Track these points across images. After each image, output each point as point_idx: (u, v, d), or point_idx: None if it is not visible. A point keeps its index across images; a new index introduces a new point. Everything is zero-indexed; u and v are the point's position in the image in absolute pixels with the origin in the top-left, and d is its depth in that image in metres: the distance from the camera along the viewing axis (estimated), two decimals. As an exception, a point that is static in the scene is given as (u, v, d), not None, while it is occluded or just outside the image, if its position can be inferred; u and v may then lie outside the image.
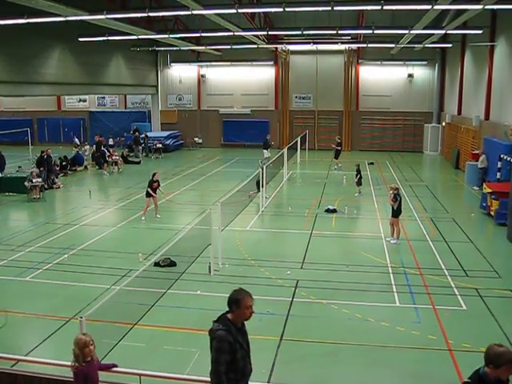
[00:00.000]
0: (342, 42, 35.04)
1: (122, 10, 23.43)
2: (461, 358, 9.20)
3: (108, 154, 31.05)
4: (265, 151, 32.05)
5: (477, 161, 24.87)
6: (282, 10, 20.11)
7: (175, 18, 32.47)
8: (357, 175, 23.09)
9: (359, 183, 23.21)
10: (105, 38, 27.43)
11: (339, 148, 30.75)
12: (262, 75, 41.91)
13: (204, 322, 10.61)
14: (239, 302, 5.69)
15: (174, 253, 12.88)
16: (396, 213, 16.24)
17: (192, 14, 21.21)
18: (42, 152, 26.25)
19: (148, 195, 19.45)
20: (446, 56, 37.56)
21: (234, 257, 14.76)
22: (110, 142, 38.23)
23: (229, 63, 41.54)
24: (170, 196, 23.35)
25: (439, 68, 37.97)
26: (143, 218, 19.22)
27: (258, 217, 19.73)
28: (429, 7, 19.06)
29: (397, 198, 16.14)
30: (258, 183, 21.15)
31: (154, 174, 19.65)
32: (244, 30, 26.96)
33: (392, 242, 16.22)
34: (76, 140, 41.41)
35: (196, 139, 42.48)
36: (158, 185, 19.71)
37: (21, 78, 26.28)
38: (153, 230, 17.83)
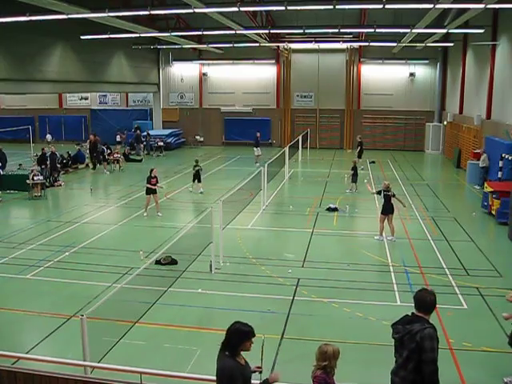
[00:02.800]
0: (344, 41, 34.98)
1: (124, 7, 23.36)
2: (461, 356, 9.20)
3: (109, 151, 31.09)
4: (255, 149, 32.31)
5: (478, 160, 24.85)
6: (283, 8, 20.07)
7: (177, 16, 32.44)
8: (352, 171, 23.37)
9: (354, 180, 23.41)
10: (107, 36, 27.39)
11: (360, 147, 30.60)
12: (263, 73, 41.90)
13: (205, 321, 10.70)
14: (436, 303, 5.75)
15: (175, 251, 12.89)
16: (385, 210, 16.38)
17: (194, 12, 21.18)
18: (43, 149, 26.26)
19: (148, 192, 19.54)
20: (448, 55, 37.52)
21: (235, 255, 14.75)
22: (118, 138, 38.24)
23: (230, 61, 41.54)
24: (171, 194, 23.37)
25: (441, 67, 37.93)
26: (145, 215, 19.42)
27: (259, 215, 19.72)
28: (431, 6, 19.03)
29: (380, 192, 16.46)
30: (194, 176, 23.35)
31: (152, 170, 19.75)
32: (246, 28, 26.96)
33: (379, 239, 16.37)
34: (48, 136, 41.49)
35: (197, 137, 42.50)
36: (157, 181, 19.76)
37: (22, 76, 26.29)
38: (154, 228, 17.84)
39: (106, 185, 27.06)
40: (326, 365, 5.75)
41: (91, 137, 31.79)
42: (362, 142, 30.76)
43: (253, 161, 31.94)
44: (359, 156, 30.28)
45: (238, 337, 5.56)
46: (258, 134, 33.37)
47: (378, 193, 16.66)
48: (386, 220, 16.34)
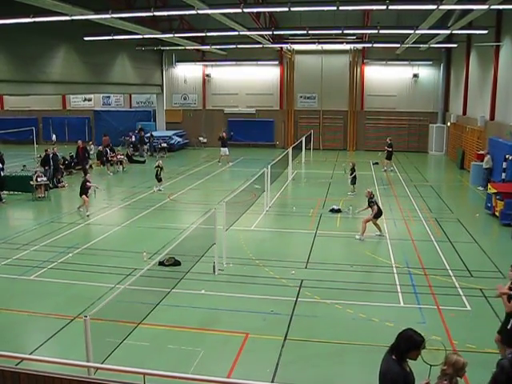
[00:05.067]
0: (347, 42, 34.94)
1: (127, 9, 23.46)
2: (465, 358, 9.15)
3: (112, 153, 31.10)
4: (222, 149, 32.98)
5: (482, 161, 24.79)
6: (287, 9, 20.05)
7: (180, 18, 32.49)
8: (351, 174, 23.23)
9: (353, 182, 23.31)
10: (110, 38, 27.47)
11: (390, 149, 30.31)
12: (266, 75, 41.89)
13: (208, 322, 10.71)
14: None
15: (179, 252, 12.90)
16: (377, 215, 16.86)
17: (197, 14, 21.21)
18: (46, 151, 26.28)
19: (82, 194, 20.41)
20: (452, 56, 37.46)
21: (238, 256, 14.76)
22: (133, 138, 38.22)
23: (234, 63, 41.54)
24: (174, 195, 23.40)
25: (444, 68, 37.84)
26: (88, 214, 19.93)
27: (262, 216, 19.72)
28: (434, 7, 19.00)
29: (371, 204, 16.86)
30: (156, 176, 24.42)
31: (85, 175, 21.68)
32: (249, 29, 26.95)
33: (358, 238, 16.57)
34: (54, 137, 41.68)
35: (201, 138, 42.47)
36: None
37: (26, 77, 26.34)
38: (157, 230, 17.85)
39: (109, 186, 27.07)
40: (444, 368, 5.67)
41: (79, 142, 30.23)
42: (392, 144, 30.56)
43: (259, 162, 31.81)
44: (389, 158, 30.18)
45: (408, 344, 5.53)
46: (224, 134, 33.74)
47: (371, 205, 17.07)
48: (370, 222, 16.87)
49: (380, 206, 17.45)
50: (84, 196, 20.29)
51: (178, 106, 44.18)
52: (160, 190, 24.27)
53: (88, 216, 19.84)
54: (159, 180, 24.48)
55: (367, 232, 16.87)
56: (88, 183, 20.75)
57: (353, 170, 23.33)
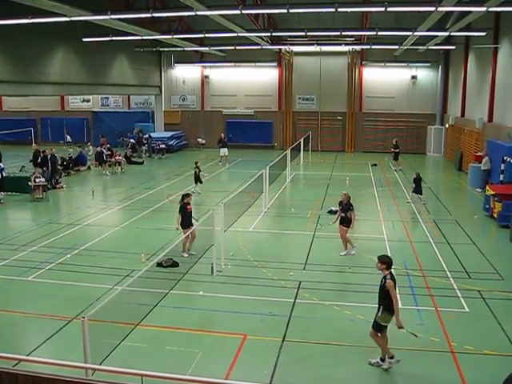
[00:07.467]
0: (346, 44, 34.98)
1: (126, 10, 23.48)
2: (463, 360, 9.18)
3: (110, 153, 31.07)
4: (222, 149, 33.48)
5: (480, 163, 24.84)
6: (285, 11, 20.04)
7: (179, 19, 32.49)
8: (417, 183, 21.67)
9: (417, 191, 21.73)
10: (109, 39, 27.45)
11: (397, 150, 30.60)
12: (265, 76, 41.93)
13: (206, 323, 10.70)
14: None
15: (177, 253, 12.89)
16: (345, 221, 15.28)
17: (196, 15, 21.20)
18: (44, 152, 26.19)
19: (185, 225, 14.52)
20: (450, 58, 37.51)
21: (236, 257, 14.75)
22: (132, 140, 38.24)
23: (232, 64, 41.57)
24: (172, 197, 23.38)
25: (443, 70, 37.90)
26: (186, 256, 14.56)
27: (260, 218, 19.71)
28: (432, 9, 19.04)
29: (351, 208, 15.28)
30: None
31: (186, 196, 14.86)
32: (248, 30, 26.95)
33: (352, 252, 15.21)
34: (68, 138, 41.79)
35: (199, 140, 42.48)
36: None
37: (25, 78, 26.34)
38: (155, 231, 17.82)
39: (108, 187, 27.06)
40: None
41: (34, 145, 26.36)
42: (398, 145, 30.72)
43: (257, 163, 31.81)
44: (396, 158, 30.48)
45: None
46: (223, 135, 34.58)
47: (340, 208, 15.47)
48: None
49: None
50: (184, 229, 14.41)
51: (176, 107, 44.19)
52: (198, 193, 23.40)
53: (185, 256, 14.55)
54: (200, 181, 23.79)
55: (365, 234, 16.80)
56: (189, 207, 14.76)
57: (417, 179, 21.63)
